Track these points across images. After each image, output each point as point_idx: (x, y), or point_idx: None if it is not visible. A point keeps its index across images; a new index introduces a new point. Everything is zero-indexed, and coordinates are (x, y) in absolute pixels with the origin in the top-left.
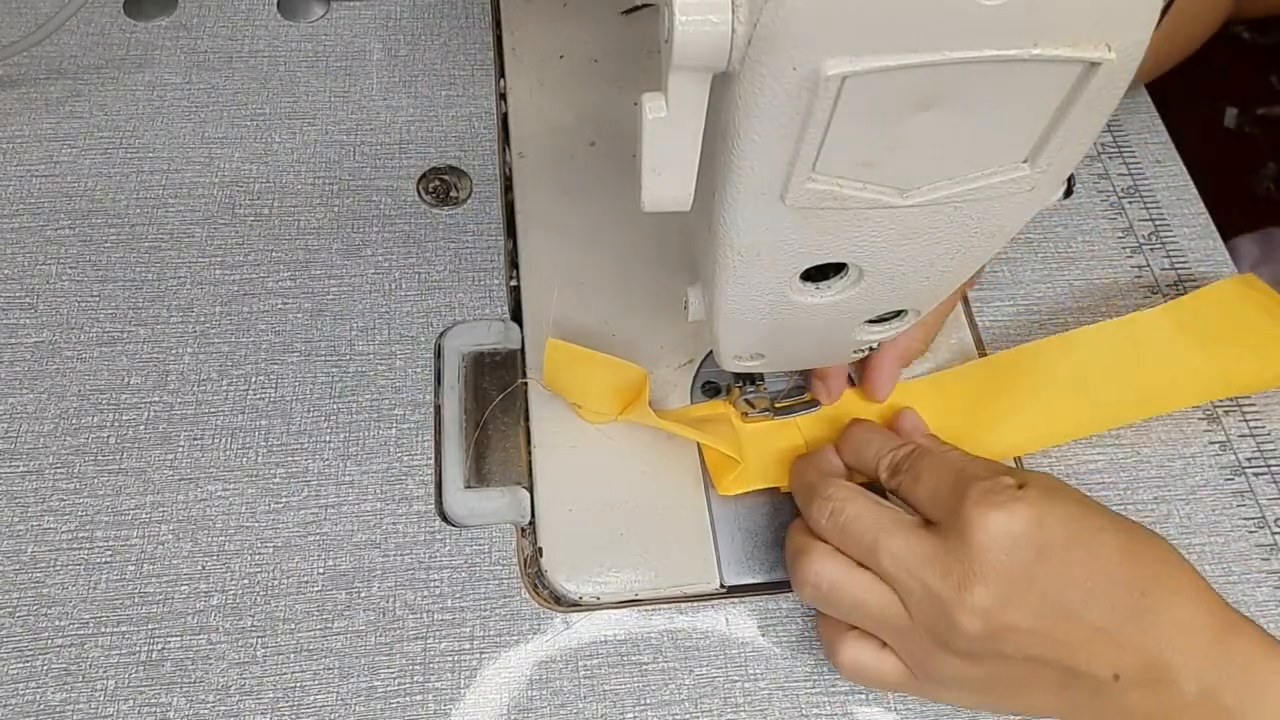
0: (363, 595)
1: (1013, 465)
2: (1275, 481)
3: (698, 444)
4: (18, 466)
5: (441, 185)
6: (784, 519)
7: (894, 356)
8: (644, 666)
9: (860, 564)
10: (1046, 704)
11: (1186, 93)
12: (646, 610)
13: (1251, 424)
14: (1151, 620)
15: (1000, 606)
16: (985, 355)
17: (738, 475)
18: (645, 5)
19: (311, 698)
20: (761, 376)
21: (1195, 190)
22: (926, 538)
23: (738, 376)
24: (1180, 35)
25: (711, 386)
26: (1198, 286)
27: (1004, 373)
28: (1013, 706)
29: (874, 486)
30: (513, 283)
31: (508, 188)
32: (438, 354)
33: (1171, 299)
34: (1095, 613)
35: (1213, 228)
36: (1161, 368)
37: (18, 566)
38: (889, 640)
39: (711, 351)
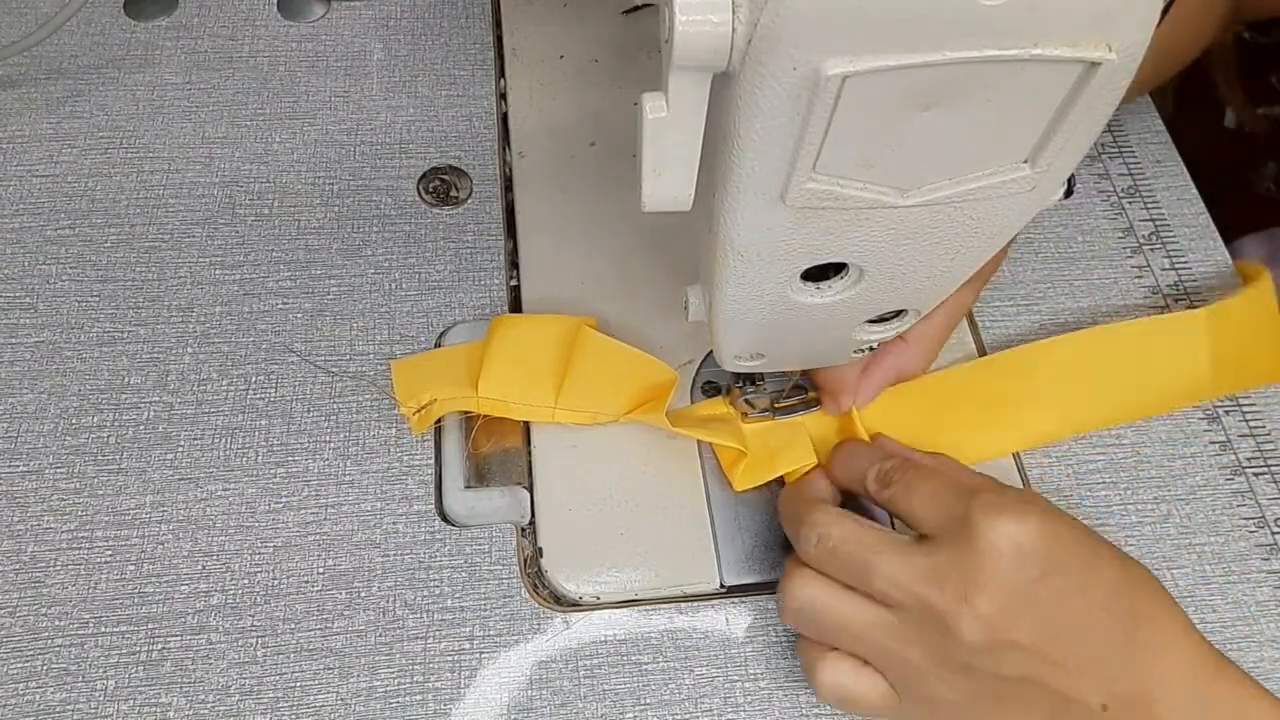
0: (363, 595)
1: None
2: (1275, 481)
3: (697, 444)
4: (18, 466)
5: (441, 185)
6: None
7: (887, 370)
8: (644, 666)
9: (848, 586)
10: None
11: (1186, 93)
12: (646, 610)
13: (1251, 424)
14: (1143, 654)
15: (1003, 618)
16: (985, 355)
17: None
18: (645, 5)
19: (311, 698)
20: (761, 376)
21: (1195, 190)
22: (920, 552)
23: (738, 376)
24: (1176, 43)
25: (711, 386)
26: (1198, 286)
27: (984, 376)
28: None
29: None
30: (513, 283)
31: (508, 188)
32: None
33: (1171, 299)
34: (1092, 639)
35: (1213, 228)
36: (1159, 372)
37: (18, 566)
38: (874, 660)
39: (711, 351)
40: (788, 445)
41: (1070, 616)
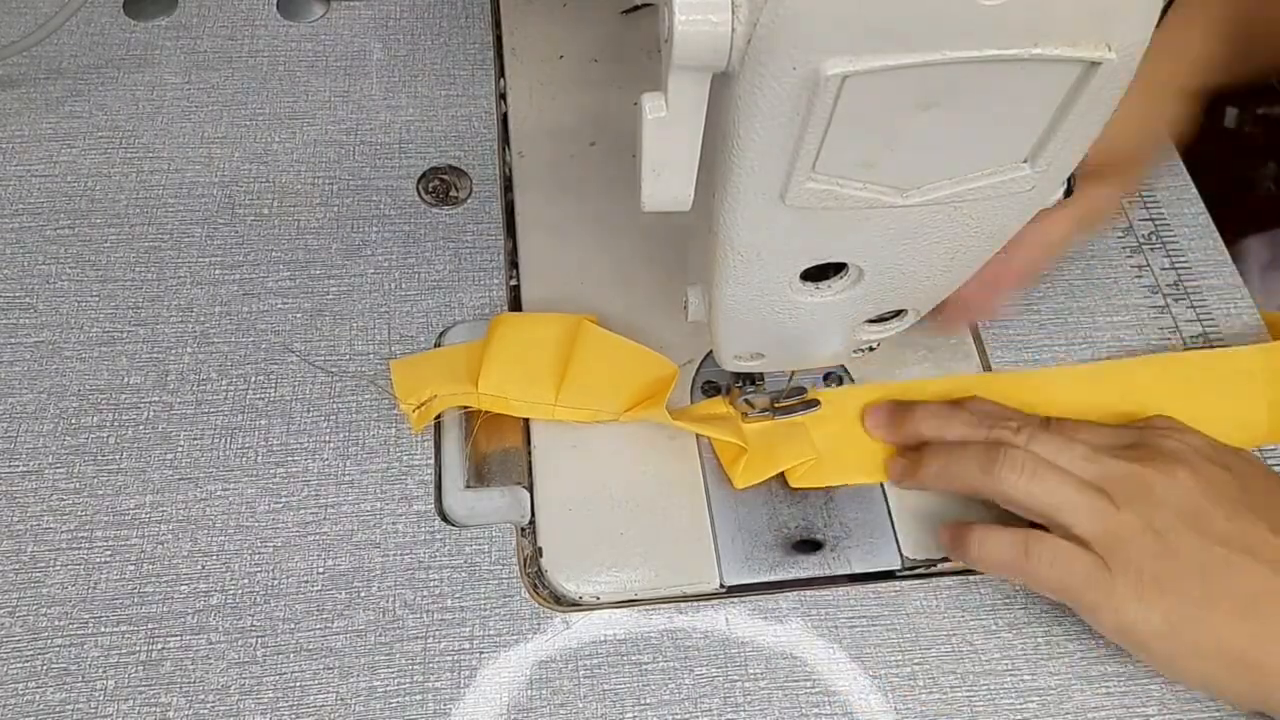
0: (363, 595)
1: None
2: None
3: (697, 444)
4: (18, 466)
5: (441, 185)
6: (784, 518)
7: (970, 317)
8: (644, 666)
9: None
10: (1233, 632)
11: None
12: (646, 610)
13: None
14: None
15: (1202, 491)
16: (985, 354)
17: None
18: (645, 5)
19: (311, 698)
20: (761, 376)
21: (1195, 190)
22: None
23: (738, 376)
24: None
25: (711, 386)
26: (1198, 286)
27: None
28: (1204, 627)
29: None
30: (513, 283)
31: (508, 187)
32: None
33: (1171, 299)
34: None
35: (1213, 228)
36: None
37: (18, 566)
38: (1086, 529)
39: (711, 351)
40: (787, 440)
41: (1256, 507)
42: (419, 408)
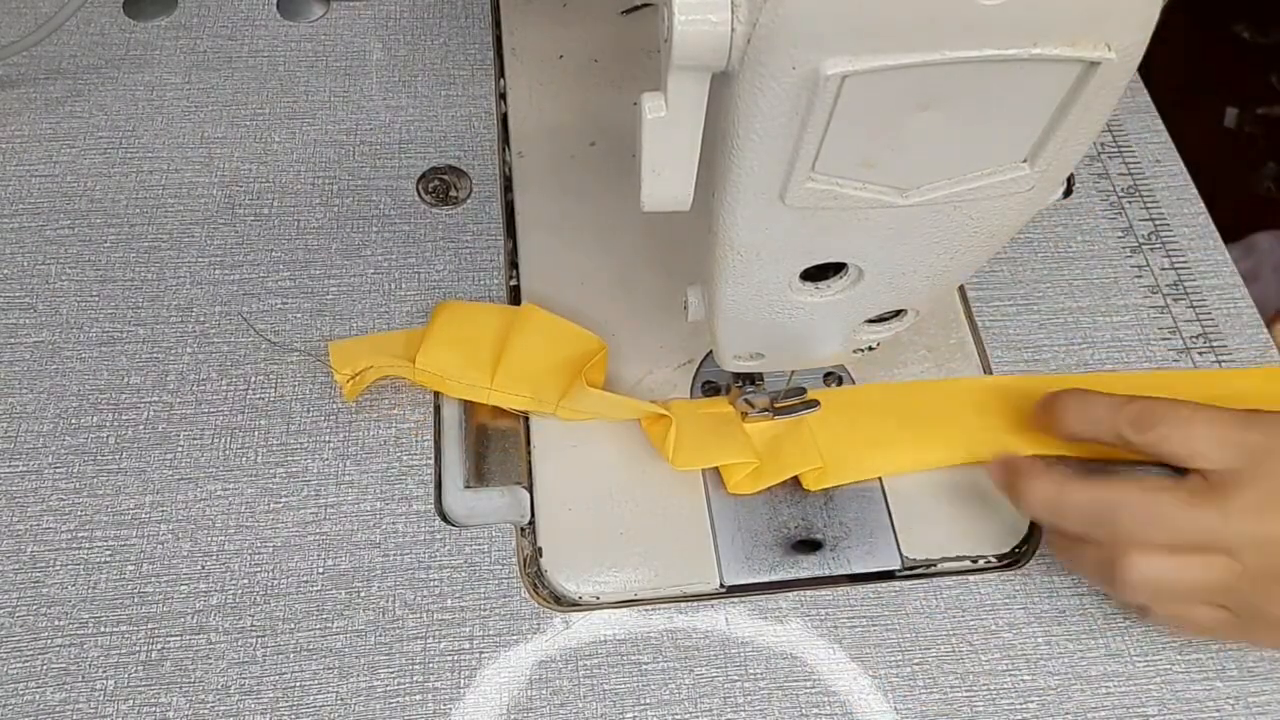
0: (362, 595)
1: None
2: None
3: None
4: (18, 466)
5: (441, 185)
6: (784, 519)
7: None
8: (643, 666)
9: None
10: None
11: (1186, 93)
12: (646, 610)
13: None
14: None
15: None
16: (984, 354)
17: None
18: (645, 5)
19: (311, 698)
20: (761, 376)
21: (1195, 190)
22: (1226, 491)
23: (738, 376)
24: None
25: (711, 386)
26: (1197, 286)
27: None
28: None
29: None
30: (513, 283)
31: (508, 187)
32: None
33: (1171, 299)
34: None
35: (1213, 228)
36: None
37: (17, 566)
38: (1224, 601)
39: (711, 351)
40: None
41: None
42: (353, 377)
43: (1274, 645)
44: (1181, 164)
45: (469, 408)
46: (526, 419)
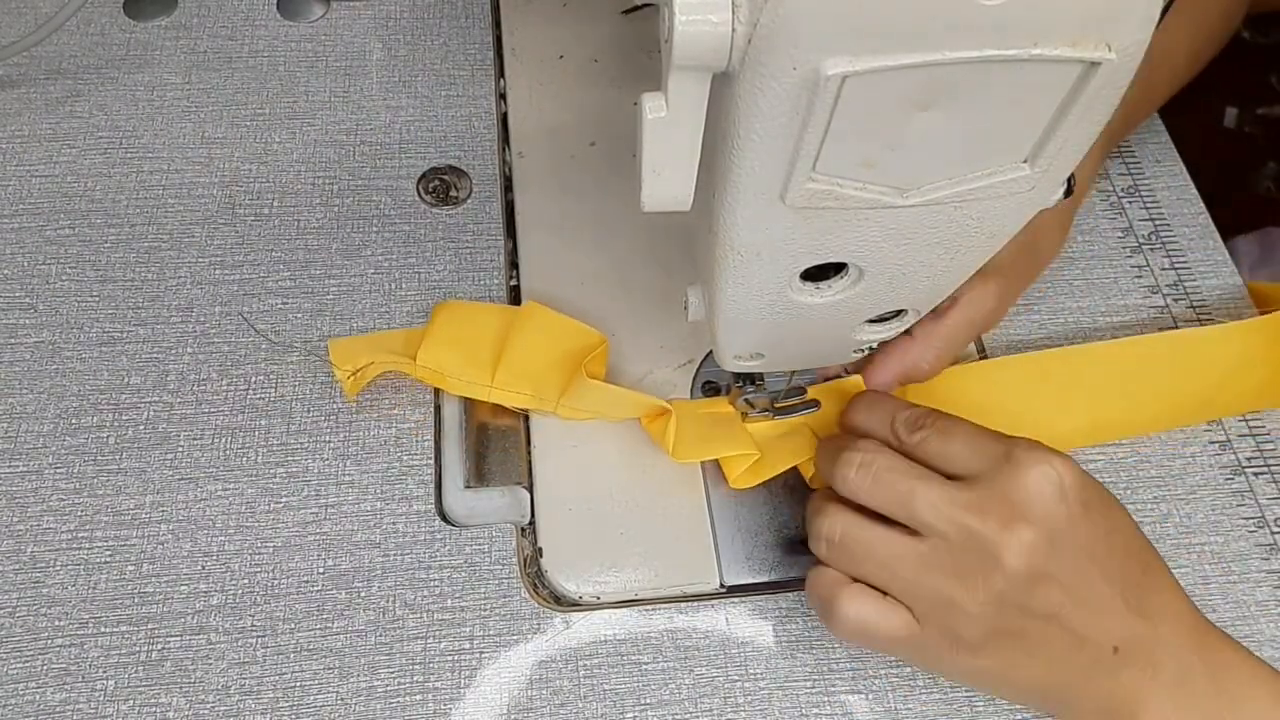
0: (363, 595)
1: None
2: (1275, 481)
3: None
4: (18, 466)
5: (441, 185)
6: (784, 519)
7: (897, 371)
8: (644, 666)
9: (878, 519)
10: (1039, 678)
11: (1186, 93)
12: (646, 610)
13: (1251, 424)
14: (1152, 598)
15: (1042, 550)
16: (985, 354)
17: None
18: (645, 5)
19: (311, 698)
20: (761, 376)
21: (1195, 190)
22: (962, 485)
23: (738, 376)
24: (1199, 39)
25: (711, 386)
26: (1197, 286)
27: (1054, 367)
28: (1010, 676)
29: None
30: (513, 283)
31: (508, 187)
32: None
33: (1171, 299)
34: (1113, 582)
35: (1213, 228)
36: (1201, 381)
37: (18, 566)
38: (900, 592)
39: (711, 351)
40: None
41: (1097, 558)
42: (354, 374)
43: (950, 669)
44: (1181, 164)
45: (469, 408)
46: (527, 419)
